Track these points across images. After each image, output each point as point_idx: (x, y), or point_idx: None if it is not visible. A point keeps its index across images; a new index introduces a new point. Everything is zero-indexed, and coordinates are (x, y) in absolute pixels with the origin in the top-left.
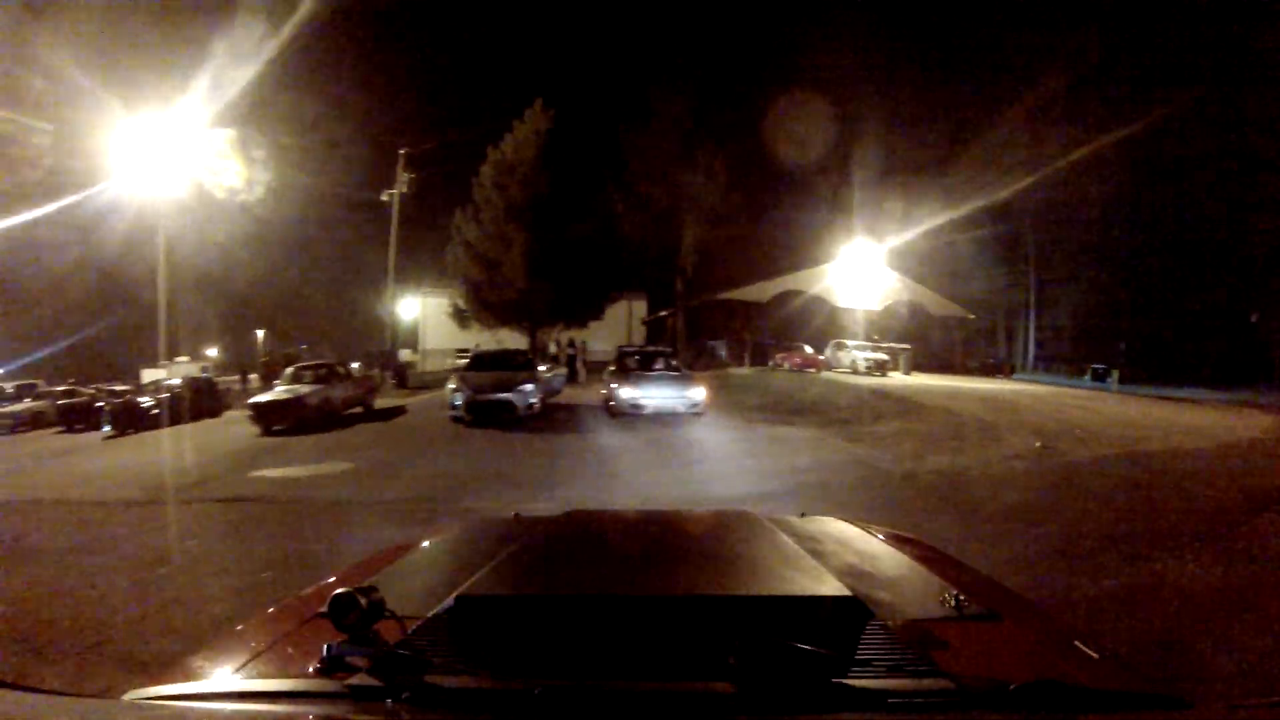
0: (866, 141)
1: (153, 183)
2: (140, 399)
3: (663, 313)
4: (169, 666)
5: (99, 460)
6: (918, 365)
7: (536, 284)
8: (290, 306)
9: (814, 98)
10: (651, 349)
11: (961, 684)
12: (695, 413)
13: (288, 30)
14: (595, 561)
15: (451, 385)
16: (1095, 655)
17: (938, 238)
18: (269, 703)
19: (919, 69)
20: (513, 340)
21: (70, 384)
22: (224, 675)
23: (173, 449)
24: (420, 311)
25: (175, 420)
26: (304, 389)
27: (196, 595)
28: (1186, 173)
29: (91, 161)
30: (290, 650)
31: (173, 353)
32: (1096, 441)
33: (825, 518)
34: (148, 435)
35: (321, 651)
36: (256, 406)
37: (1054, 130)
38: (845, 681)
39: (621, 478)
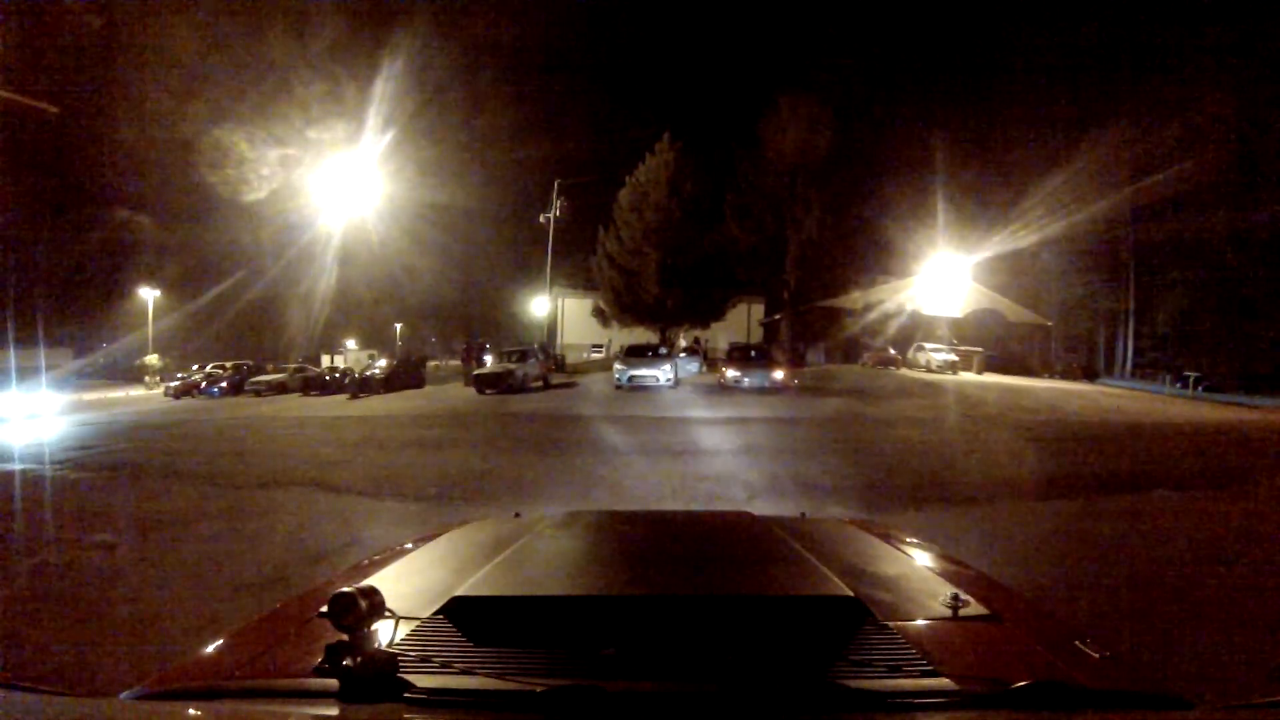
0: (955, 155)
1: (335, 202)
2: (368, 371)
3: (776, 316)
4: (168, 667)
5: (377, 405)
6: (997, 368)
7: (667, 291)
8: (430, 304)
9: (906, 132)
10: (751, 346)
11: (961, 684)
12: (777, 388)
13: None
14: (594, 562)
15: (617, 365)
16: (1095, 655)
17: (1025, 246)
18: (269, 702)
19: (1002, 78)
20: (646, 337)
21: (300, 362)
22: (224, 675)
23: (422, 402)
24: (559, 310)
25: (391, 389)
26: (511, 365)
27: (535, 440)
28: None
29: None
30: (290, 650)
31: (326, 344)
32: (1042, 411)
33: (825, 518)
34: (381, 397)
35: (321, 651)
36: (478, 376)
37: (1156, 126)
38: (845, 682)
39: (719, 412)
